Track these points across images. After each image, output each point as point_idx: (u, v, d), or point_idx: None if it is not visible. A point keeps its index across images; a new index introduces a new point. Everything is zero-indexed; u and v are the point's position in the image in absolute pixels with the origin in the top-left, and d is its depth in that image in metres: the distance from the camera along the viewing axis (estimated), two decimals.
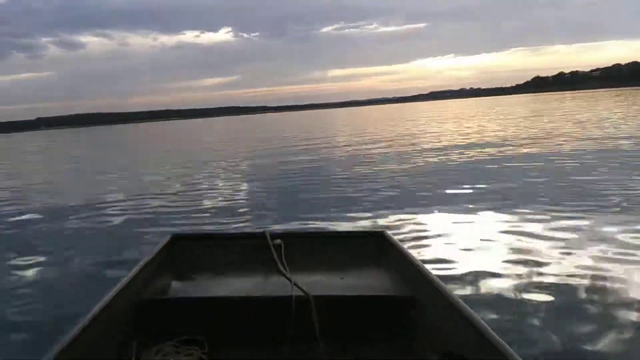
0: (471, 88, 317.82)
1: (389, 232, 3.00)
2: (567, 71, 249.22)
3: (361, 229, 4.50)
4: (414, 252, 3.12)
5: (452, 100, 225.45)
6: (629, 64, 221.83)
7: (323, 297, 2.23)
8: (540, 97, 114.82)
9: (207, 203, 7.95)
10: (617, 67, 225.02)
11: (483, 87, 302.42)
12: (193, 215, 6.95)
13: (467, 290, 3.63)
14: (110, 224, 6.64)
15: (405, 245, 2.86)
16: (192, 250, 2.91)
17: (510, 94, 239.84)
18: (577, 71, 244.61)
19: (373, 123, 40.36)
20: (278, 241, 2.89)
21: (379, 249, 2.89)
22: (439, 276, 2.24)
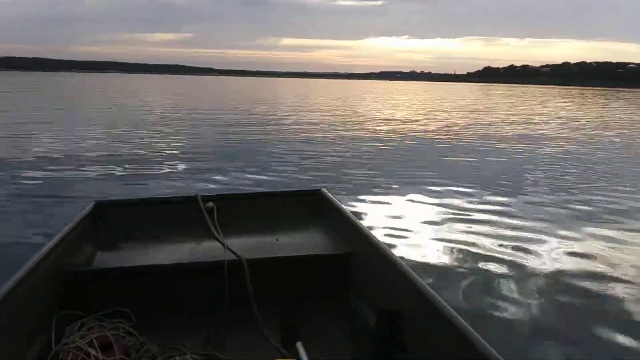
0: (422, 72, 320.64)
1: (326, 190, 2.99)
2: (518, 64, 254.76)
3: (298, 188, 4.24)
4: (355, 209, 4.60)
5: (402, 82, 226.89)
6: (577, 63, 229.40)
7: (257, 260, 2.21)
8: (491, 88, 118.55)
9: (138, 166, 7.82)
10: (566, 65, 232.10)
11: (434, 72, 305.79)
12: (120, 178, 6.88)
13: (402, 251, 4.26)
14: (26, 187, 6.39)
15: (344, 203, 3.02)
16: (117, 218, 2.73)
17: (461, 81, 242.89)
18: (527, 65, 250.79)
19: (319, 95, 44.94)
20: (210, 204, 2.80)
21: (316, 207, 2.90)
22: (376, 233, 2.44)
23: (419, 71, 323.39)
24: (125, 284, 2.14)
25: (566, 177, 8.47)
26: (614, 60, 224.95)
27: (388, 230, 4.94)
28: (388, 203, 6.18)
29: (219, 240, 2.44)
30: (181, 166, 8.01)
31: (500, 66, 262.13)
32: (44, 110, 20.35)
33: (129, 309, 1.95)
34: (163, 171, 7.53)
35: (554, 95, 67.53)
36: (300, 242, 2.58)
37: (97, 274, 2.20)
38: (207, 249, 2.42)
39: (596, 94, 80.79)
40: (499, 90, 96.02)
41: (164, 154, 9.16)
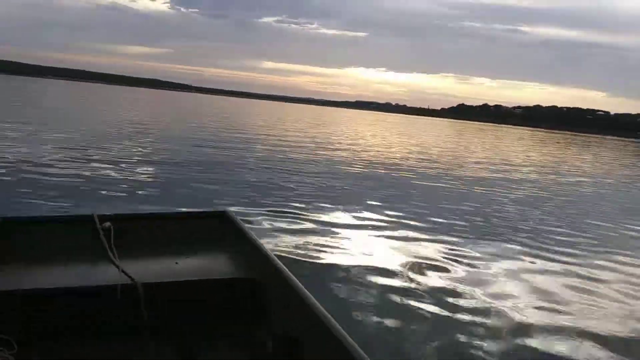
0: (397, 104, 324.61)
1: (232, 212, 2.96)
2: (491, 104, 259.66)
3: (202, 210, 3.79)
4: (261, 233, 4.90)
5: (376, 112, 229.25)
6: (549, 107, 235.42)
7: (154, 284, 2.13)
8: (464, 125, 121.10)
9: (43, 180, 7.53)
10: (538, 108, 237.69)
11: (409, 105, 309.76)
12: (24, 194, 6.54)
13: (306, 273, 4.42)
14: None
15: (250, 225, 3.29)
16: (2, 237, 2.51)
17: (435, 116, 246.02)
18: (500, 105, 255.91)
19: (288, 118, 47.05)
20: (107, 224, 2.67)
21: (220, 229, 2.85)
22: (281, 258, 2.33)
23: (394, 103, 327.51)
24: (9, 309, 2.00)
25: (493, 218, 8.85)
26: (584, 107, 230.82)
27: (294, 256, 5.05)
28: (298, 228, 6.30)
29: (113, 263, 2.36)
30: (78, 182, 7.70)
31: (475, 104, 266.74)
32: None
33: (12, 336, 1.85)
34: (55, 188, 7.11)
35: (523, 137, 69.24)
36: (202, 266, 2.53)
37: None
38: (101, 272, 2.31)
39: (566, 138, 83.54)
40: (471, 127, 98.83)
41: (60, 168, 8.75)
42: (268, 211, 6.89)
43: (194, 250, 2.69)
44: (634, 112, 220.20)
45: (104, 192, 7.17)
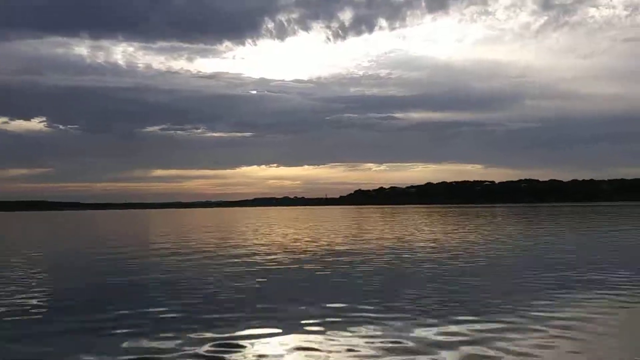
0: (295, 197, 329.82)
1: None
2: (386, 186, 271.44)
3: None
4: None
5: (276, 207, 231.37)
6: (439, 183, 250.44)
7: None
8: (363, 209, 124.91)
9: None
10: (430, 185, 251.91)
11: (307, 197, 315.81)
12: None
13: None
14: None
15: None
16: None
17: (334, 204, 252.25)
18: (395, 187, 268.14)
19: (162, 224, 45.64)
20: None
21: None
22: None
23: (292, 196, 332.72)
24: None
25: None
26: (470, 179, 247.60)
27: None
28: None
29: None
30: None
31: (371, 188, 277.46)
32: None
33: None
34: None
35: (417, 214, 72.86)
36: None
37: None
38: None
39: (457, 211, 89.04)
40: (368, 211, 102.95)
41: None
42: None
43: None
44: (515, 178, 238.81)
45: None
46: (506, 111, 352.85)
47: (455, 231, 32.14)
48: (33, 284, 13.53)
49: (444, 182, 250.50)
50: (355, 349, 7.27)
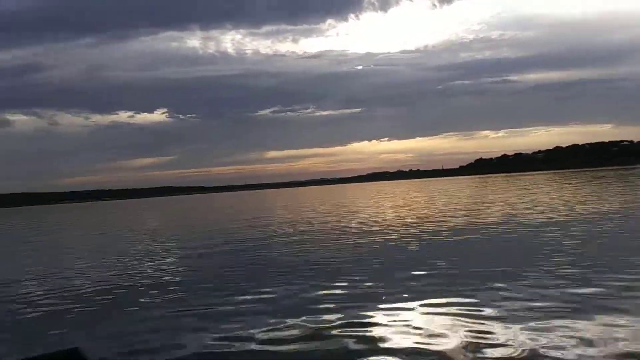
0: (410, 170, 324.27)
1: (83, 350, 3.03)
2: (510, 153, 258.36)
3: (52, 351, 3.71)
4: None
5: (390, 181, 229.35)
6: (569, 146, 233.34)
7: None
8: (486, 178, 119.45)
9: None
10: (559, 149, 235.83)
11: (422, 169, 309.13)
12: None
13: None
14: None
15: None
16: None
17: (452, 175, 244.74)
18: (520, 153, 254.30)
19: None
20: None
21: None
22: None
23: (406, 170, 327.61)
24: None
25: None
26: (595, 140, 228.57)
27: None
28: None
29: None
30: None
31: (492, 156, 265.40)
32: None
33: None
34: None
35: (550, 181, 67.87)
36: None
37: None
38: None
39: (597, 175, 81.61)
40: (493, 180, 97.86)
41: None
42: None
43: None
44: None
45: None
46: (637, 64, 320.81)
47: (615, 195, 28.74)
48: (176, 262, 13.31)
49: (574, 145, 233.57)
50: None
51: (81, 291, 10.90)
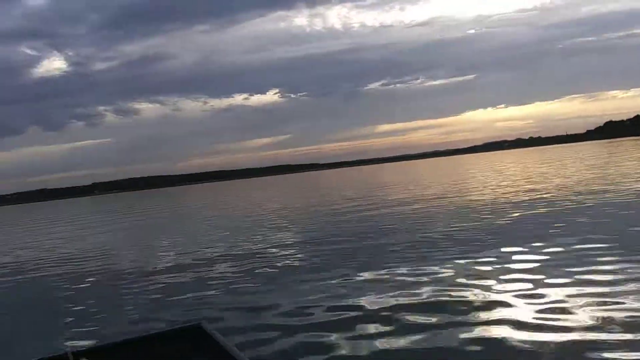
0: (530, 137, 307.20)
1: (207, 324, 3.19)
2: (632, 116, 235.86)
3: (176, 326, 3.83)
4: None
5: (510, 150, 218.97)
6: None
7: None
8: (620, 143, 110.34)
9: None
10: None
11: (543, 136, 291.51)
12: None
13: None
14: None
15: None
16: None
17: (578, 140, 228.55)
18: None
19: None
20: None
21: (196, 344, 2.97)
22: None
23: (526, 137, 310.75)
24: None
25: None
26: None
27: None
28: None
29: None
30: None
31: (624, 118, 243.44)
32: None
33: None
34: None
35: None
36: None
37: None
38: None
39: None
40: (631, 144, 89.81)
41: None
42: None
43: None
44: None
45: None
46: None
47: None
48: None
49: None
50: None
51: (212, 267, 10.91)
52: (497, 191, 21.66)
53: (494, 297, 6.43)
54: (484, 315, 5.73)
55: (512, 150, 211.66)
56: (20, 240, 24.60)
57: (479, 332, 5.25)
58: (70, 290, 9.69)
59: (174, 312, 7.22)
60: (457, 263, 8.40)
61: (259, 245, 13.02)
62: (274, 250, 11.81)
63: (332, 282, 8.00)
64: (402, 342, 5.15)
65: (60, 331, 6.70)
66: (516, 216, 13.47)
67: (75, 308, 8.11)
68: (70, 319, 7.40)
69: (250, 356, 2.48)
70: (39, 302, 9.20)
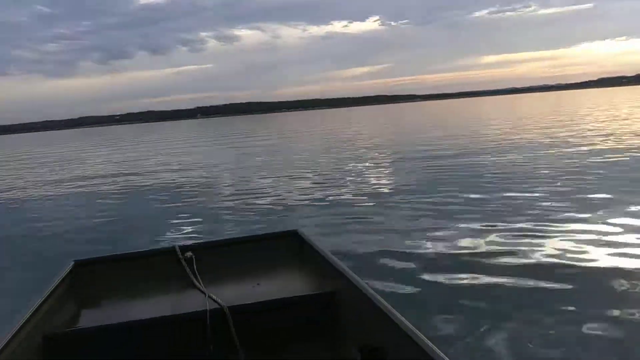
0: None
1: (303, 231, 3.14)
2: None
3: (274, 231, 3.80)
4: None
5: (629, 86, 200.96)
6: None
7: (239, 307, 2.31)
8: None
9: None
10: None
11: None
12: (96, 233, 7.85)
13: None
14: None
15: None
16: (96, 276, 2.88)
17: None
18: None
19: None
20: (189, 254, 2.93)
21: (293, 248, 3.08)
22: (357, 272, 2.31)
23: None
24: (109, 342, 2.22)
25: None
26: None
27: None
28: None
29: (200, 290, 2.55)
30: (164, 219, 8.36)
31: None
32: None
33: None
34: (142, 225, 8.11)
35: None
36: (281, 285, 2.65)
37: (78, 335, 2.27)
38: (188, 300, 2.48)
39: None
40: None
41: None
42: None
43: (271, 270, 2.88)
44: None
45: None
46: None
47: None
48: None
49: None
50: None
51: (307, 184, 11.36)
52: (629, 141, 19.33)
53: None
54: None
55: (631, 87, 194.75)
56: (183, 150, 26.72)
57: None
58: (203, 196, 10.65)
59: (272, 219, 7.75)
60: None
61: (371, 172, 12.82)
62: (387, 182, 11.42)
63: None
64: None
65: (174, 228, 7.57)
66: None
67: (187, 211, 8.91)
68: (181, 220, 8.18)
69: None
70: (175, 198, 10.49)
